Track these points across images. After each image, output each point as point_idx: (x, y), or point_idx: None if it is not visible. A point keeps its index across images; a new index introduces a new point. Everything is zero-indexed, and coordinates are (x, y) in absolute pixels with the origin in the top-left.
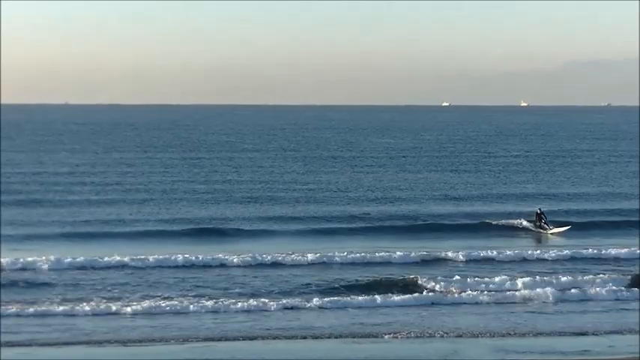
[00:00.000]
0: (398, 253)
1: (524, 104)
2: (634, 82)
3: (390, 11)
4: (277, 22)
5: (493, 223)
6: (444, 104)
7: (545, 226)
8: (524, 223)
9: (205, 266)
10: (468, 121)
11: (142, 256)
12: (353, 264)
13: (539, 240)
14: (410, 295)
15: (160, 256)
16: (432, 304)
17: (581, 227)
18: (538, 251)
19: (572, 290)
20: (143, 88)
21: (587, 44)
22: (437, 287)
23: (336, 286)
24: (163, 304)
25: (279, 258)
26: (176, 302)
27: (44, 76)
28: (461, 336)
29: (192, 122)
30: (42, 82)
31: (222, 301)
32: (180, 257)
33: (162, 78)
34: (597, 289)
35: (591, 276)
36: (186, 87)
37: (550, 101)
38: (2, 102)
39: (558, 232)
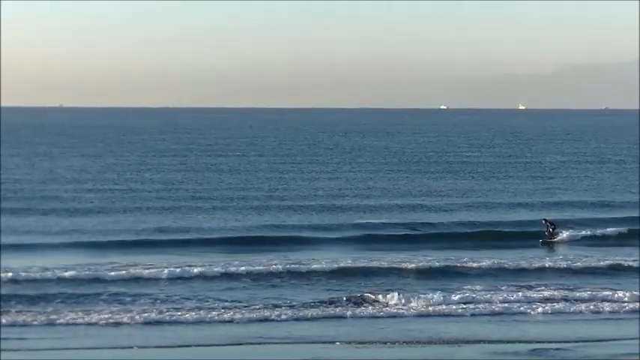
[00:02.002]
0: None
1: (522, 107)
2: (632, 85)
3: (389, 12)
4: (276, 23)
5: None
6: (442, 107)
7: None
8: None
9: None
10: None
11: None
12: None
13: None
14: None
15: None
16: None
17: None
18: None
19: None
20: (140, 91)
21: (585, 47)
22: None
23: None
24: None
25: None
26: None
27: (38, 79)
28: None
29: (197, 126)
30: (36, 84)
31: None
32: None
33: (158, 80)
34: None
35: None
36: (182, 89)
37: (548, 104)
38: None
39: (557, 240)
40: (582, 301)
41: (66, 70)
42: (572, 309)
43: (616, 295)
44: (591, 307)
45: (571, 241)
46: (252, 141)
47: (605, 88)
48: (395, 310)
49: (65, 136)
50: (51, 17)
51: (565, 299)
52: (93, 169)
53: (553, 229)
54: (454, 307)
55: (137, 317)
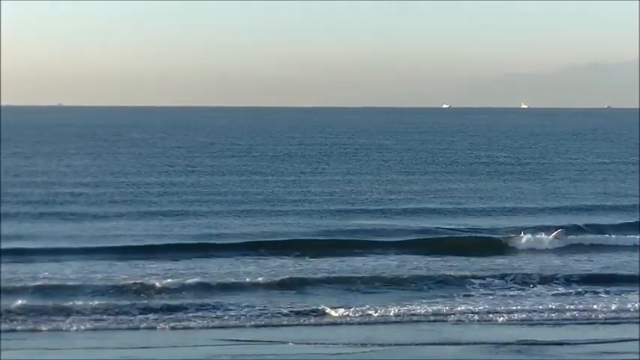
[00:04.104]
0: None
1: (525, 106)
2: (634, 84)
3: (390, 12)
4: (275, 23)
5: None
6: (444, 106)
7: None
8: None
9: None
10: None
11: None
12: None
13: None
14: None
15: None
16: None
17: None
18: None
19: None
20: (138, 90)
21: (587, 46)
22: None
23: None
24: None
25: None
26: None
27: (37, 78)
28: None
29: (198, 125)
30: (35, 83)
31: None
32: None
33: (157, 80)
34: None
35: None
36: (182, 89)
37: (550, 103)
38: None
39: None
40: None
41: (65, 69)
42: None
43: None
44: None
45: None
46: (264, 141)
47: (607, 86)
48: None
49: (68, 135)
50: (51, 17)
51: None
52: (103, 170)
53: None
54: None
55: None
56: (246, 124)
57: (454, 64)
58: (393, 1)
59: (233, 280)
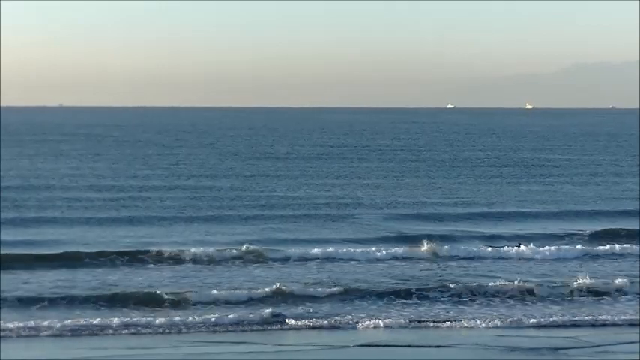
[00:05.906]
0: None
1: (529, 106)
2: (637, 84)
3: (394, 12)
4: (275, 22)
5: None
6: (449, 106)
7: None
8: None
9: None
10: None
11: None
12: None
13: None
14: None
15: None
16: None
17: None
18: None
19: None
20: (136, 90)
21: (591, 46)
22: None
23: None
24: None
25: None
26: None
27: (38, 78)
28: None
29: (202, 126)
30: (33, 83)
31: None
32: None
33: (154, 80)
34: None
35: None
36: (180, 89)
37: (555, 103)
38: None
39: None
40: None
41: (65, 69)
42: None
43: None
44: None
45: None
46: (265, 142)
47: (610, 86)
48: None
49: (75, 135)
50: (51, 17)
51: None
52: (112, 173)
53: None
54: None
55: None
56: (246, 124)
57: (459, 64)
58: (394, 1)
59: (236, 284)
